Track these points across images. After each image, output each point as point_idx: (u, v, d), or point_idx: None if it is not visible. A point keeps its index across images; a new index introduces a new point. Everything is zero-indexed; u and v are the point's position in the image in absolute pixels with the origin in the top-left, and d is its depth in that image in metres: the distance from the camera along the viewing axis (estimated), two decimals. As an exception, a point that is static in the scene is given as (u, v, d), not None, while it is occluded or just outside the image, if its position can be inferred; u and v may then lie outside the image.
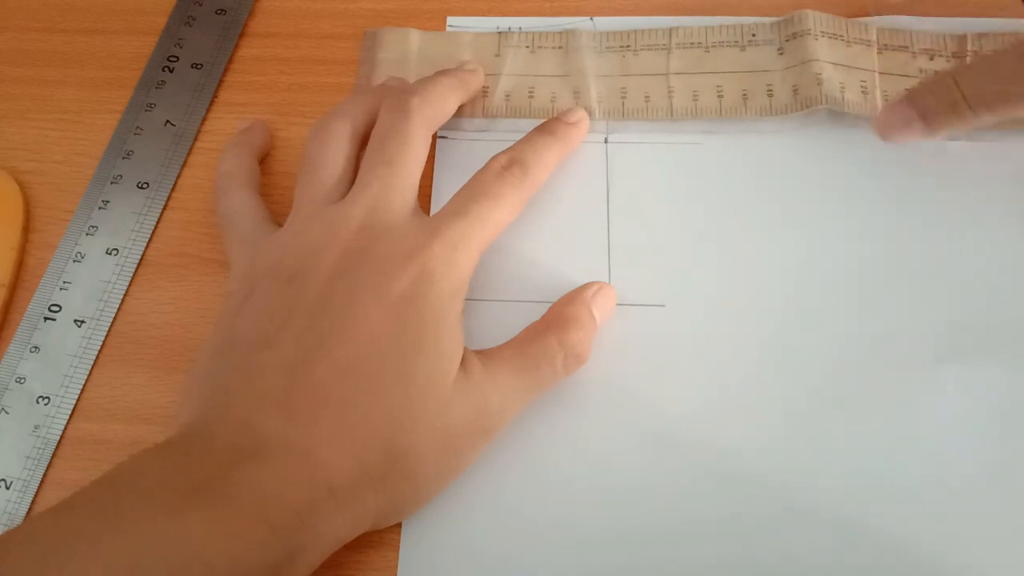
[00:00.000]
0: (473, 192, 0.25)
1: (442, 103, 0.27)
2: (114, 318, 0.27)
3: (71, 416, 0.26)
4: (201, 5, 0.33)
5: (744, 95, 0.30)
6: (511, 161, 0.26)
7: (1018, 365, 0.25)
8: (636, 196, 0.29)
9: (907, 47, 0.31)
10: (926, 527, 0.23)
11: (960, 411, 0.25)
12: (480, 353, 0.24)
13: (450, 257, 0.23)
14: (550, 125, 0.28)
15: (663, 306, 0.27)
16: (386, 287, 0.23)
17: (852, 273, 0.27)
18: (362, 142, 0.27)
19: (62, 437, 0.25)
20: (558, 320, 0.25)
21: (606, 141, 0.30)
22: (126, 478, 0.19)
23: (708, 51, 0.31)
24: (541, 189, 0.27)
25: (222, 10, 0.33)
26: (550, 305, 0.26)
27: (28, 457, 0.25)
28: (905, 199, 0.28)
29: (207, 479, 0.19)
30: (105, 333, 0.27)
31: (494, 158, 0.26)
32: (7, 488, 0.24)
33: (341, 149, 0.26)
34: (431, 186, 0.29)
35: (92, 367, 0.26)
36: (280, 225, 0.26)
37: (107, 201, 0.29)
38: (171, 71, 0.32)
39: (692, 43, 0.31)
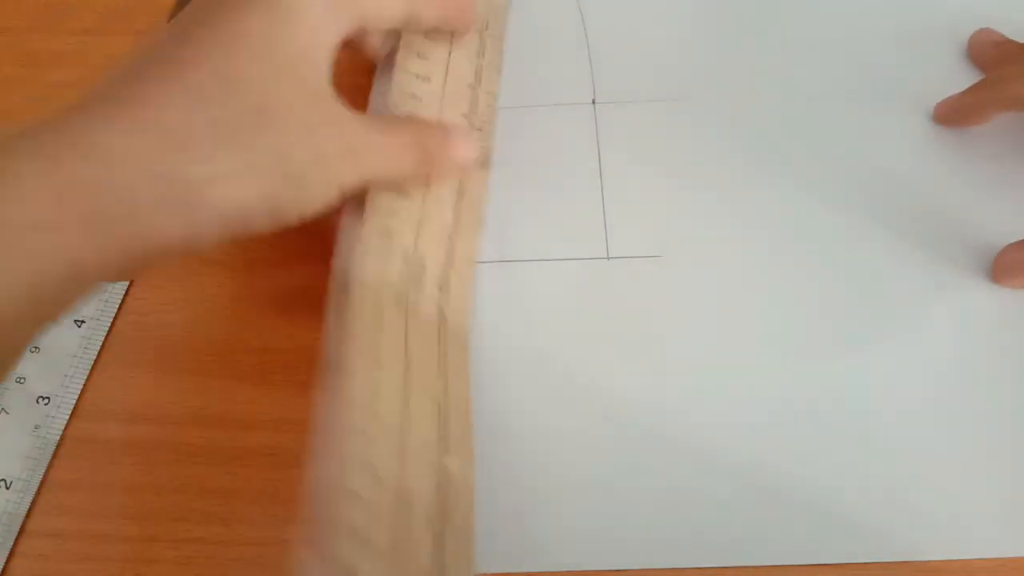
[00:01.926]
0: None
1: None
2: (114, 318, 0.27)
3: (71, 416, 0.26)
4: (201, 5, 0.33)
5: None
6: None
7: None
8: (627, 154, 0.30)
9: None
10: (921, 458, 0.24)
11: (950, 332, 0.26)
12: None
13: None
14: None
15: (659, 257, 0.27)
16: None
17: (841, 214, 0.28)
18: None
19: (62, 437, 0.25)
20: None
21: (593, 103, 0.31)
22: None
23: None
24: (531, 158, 0.28)
25: (222, 10, 0.33)
26: (559, 262, 0.27)
27: (28, 457, 0.25)
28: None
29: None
30: (105, 333, 0.27)
31: None
32: (7, 488, 0.24)
33: None
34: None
35: (92, 367, 0.26)
36: None
37: (107, 201, 0.29)
38: (171, 71, 0.32)
39: None
